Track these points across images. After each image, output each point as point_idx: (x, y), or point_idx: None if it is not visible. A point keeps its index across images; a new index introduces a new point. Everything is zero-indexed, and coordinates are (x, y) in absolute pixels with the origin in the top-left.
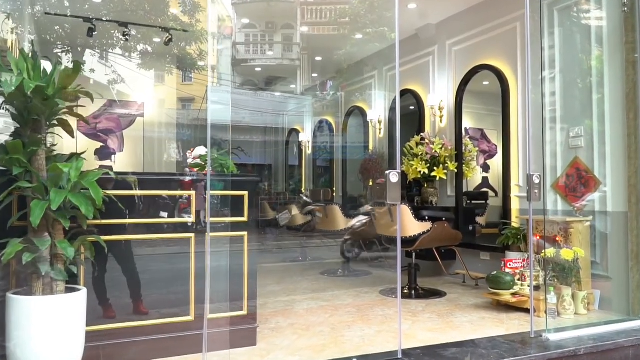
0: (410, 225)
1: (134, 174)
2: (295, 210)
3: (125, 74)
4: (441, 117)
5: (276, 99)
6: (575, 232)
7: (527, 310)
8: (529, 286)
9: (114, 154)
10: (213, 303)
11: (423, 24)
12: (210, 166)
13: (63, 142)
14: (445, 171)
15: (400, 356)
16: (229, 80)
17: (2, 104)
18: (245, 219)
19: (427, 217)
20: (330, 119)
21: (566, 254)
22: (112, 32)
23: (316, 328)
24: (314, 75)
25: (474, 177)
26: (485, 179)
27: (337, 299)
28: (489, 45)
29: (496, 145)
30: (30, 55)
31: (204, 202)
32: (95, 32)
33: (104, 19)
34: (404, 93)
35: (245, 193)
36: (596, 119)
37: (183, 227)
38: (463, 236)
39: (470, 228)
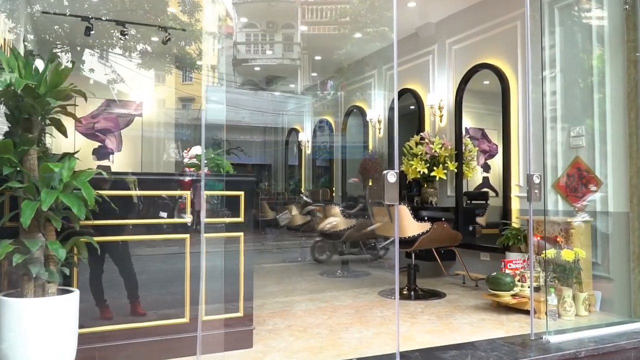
0: (409, 225)
1: (126, 174)
2: (294, 211)
3: (124, 74)
4: (441, 116)
5: (276, 98)
6: (576, 233)
7: (527, 312)
8: (529, 287)
9: (112, 153)
10: (209, 305)
11: (423, 22)
12: (204, 166)
13: (61, 142)
14: (445, 171)
15: (398, 359)
16: (225, 80)
17: None
18: (241, 219)
19: (426, 218)
20: (330, 119)
21: (567, 255)
22: (112, 31)
23: (314, 330)
24: (314, 74)
25: (475, 177)
26: (485, 179)
27: (335, 299)
28: (489, 44)
29: (497, 145)
30: (22, 54)
31: (205, 202)
32: (93, 32)
33: (101, 18)
34: (403, 92)
35: (242, 193)
36: (597, 119)
37: (183, 227)
38: (463, 236)
39: (470, 228)
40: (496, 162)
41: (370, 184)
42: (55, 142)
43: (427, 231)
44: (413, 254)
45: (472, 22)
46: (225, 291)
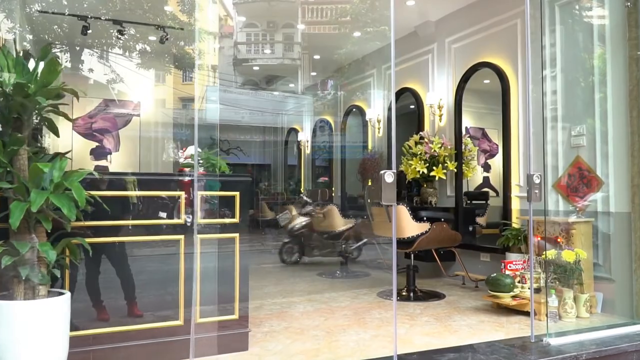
0: (408, 226)
1: (119, 174)
2: (294, 211)
3: (123, 74)
4: (440, 115)
5: (275, 98)
6: (577, 233)
7: (527, 314)
8: (529, 289)
9: (110, 153)
10: (204, 306)
11: (422, 21)
12: (197, 166)
13: (59, 142)
14: (445, 171)
15: None
16: (218, 79)
17: None
18: (236, 220)
19: (425, 218)
20: (329, 118)
21: (568, 256)
22: (111, 31)
23: (311, 332)
24: (313, 74)
25: (475, 177)
26: (486, 179)
27: (334, 301)
28: (489, 42)
29: (497, 145)
30: (13, 53)
31: (203, 203)
32: (90, 31)
33: (94, 16)
34: (403, 91)
35: (237, 194)
36: (598, 118)
37: (182, 228)
38: (463, 237)
39: (470, 228)
40: (497, 162)
41: (369, 183)
42: (54, 142)
43: (426, 232)
44: (412, 255)
45: (472, 20)
46: (220, 293)
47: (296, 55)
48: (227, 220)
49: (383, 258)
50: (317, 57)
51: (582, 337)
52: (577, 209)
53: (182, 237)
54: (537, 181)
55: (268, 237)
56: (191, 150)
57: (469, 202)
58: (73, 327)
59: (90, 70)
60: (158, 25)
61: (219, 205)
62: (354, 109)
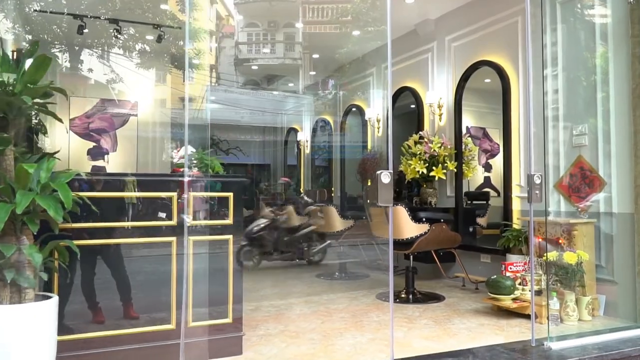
0: (406, 227)
1: (110, 174)
2: (294, 211)
3: (123, 73)
4: (440, 115)
5: (274, 97)
6: (579, 234)
7: (528, 317)
8: (530, 291)
9: (107, 153)
10: (197, 309)
11: (422, 19)
12: (187, 166)
13: (56, 142)
14: (445, 171)
15: None
16: (219, 79)
17: None
18: (230, 221)
19: (424, 219)
20: (329, 118)
21: (569, 257)
22: (110, 30)
23: (307, 335)
24: (312, 73)
25: (476, 177)
26: (487, 179)
27: (331, 303)
28: (489, 40)
29: (498, 144)
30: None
31: (202, 203)
32: (86, 30)
33: (93, 16)
34: (402, 90)
35: (231, 194)
36: (600, 117)
37: (175, 229)
38: (463, 238)
39: (471, 229)
40: (498, 162)
41: (369, 183)
42: (53, 143)
43: (426, 233)
44: (411, 256)
45: (472, 18)
46: (213, 296)
47: (297, 55)
48: (220, 222)
49: (382, 259)
50: (316, 56)
51: (584, 341)
52: (579, 210)
53: (174, 239)
54: (538, 181)
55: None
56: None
57: (469, 202)
58: (67, 330)
59: (90, 70)
60: (154, 24)
61: (213, 206)
62: (354, 109)
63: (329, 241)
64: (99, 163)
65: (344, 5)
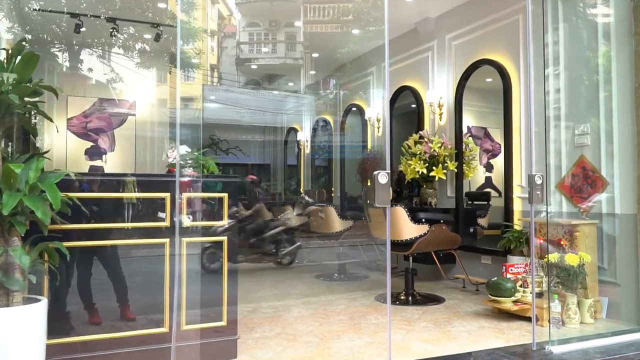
0: (405, 228)
1: (101, 174)
2: (293, 211)
3: (122, 73)
4: (440, 114)
5: (274, 97)
6: (581, 236)
7: (529, 319)
8: (531, 293)
9: (105, 153)
10: (191, 313)
11: (422, 17)
12: (179, 166)
13: (53, 142)
14: (445, 171)
15: None
16: (218, 79)
17: None
18: (224, 222)
19: (423, 220)
20: (329, 117)
21: (571, 259)
22: (110, 30)
23: (304, 338)
24: (312, 72)
25: (477, 177)
26: (488, 179)
27: (330, 304)
28: (490, 39)
29: (500, 144)
30: None
31: (197, 204)
32: (84, 29)
33: (92, 15)
34: (402, 90)
35: (225, 195)
36: (603, 116)
37: (168, 231)
38: (463, 238)
39: (471, 230)
40: (499, 162)
41: (369, 183)
42: (51, 142)
43: (425, 234)
44: (411, 257)
45: (473, 16)
46: (208, 299)
47: (298, 55)
48: (214, 223)
49: (382, 260)
50: (315, 55)
51: (587, 344)
52: (581, 211)
53: (167, 240)
54: (539, 182)
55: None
56: (180, 150)
57: (470, 202)
58: (59, 333)
59: (90, 69)
60: (152, 23)
61: (212, 206)
62: (354, 108)
63: (299, 242)
64: (97, 163)
65: (345, 5)
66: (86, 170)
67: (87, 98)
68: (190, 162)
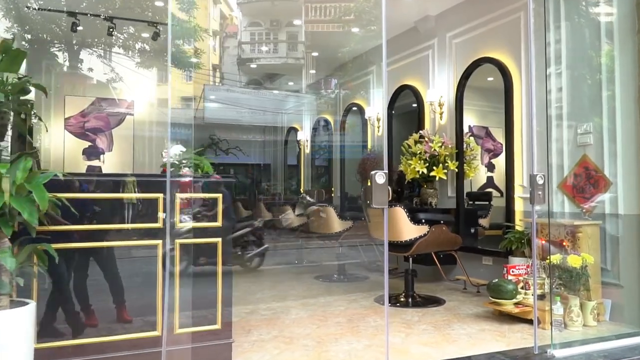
0: (405, 228)
1: (98, 174)
2: (293, 211)
3: (122, 73)
4: (441, 113)
5: (275, 96)
6: (583, 236)
7: (531, 322)
8: (532, 295)
9: (103, 153)
10: (184, 315)
11: (422, 16)
12: (169, 166)
13: (51, 142)
14: (446, 171)
15: None
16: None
17: None
18: (218, 224)
19: (424, 220)
20: (329, 117)
21: (573, 260)
22: (108, 29)
23: (301, 341)
24: (312, 72)
25: (478, 177)
26: (490, 179)
27: (329, 306)
28: (491, 37)
29: (501, 144)
30: None
31: (191, 204)
32: (80, 27)
33: (91, 14)
34: (402, 89)
35: (220, 195)
36: (606, 115)
37: (161, 232)
38: (464, 239)
39: (472, 230)
40: (501, 162)
41: (369, 183)
42: (50, 142)
43: (425, 234)
44: (410, 259)
45: (473, 14)
46: (201, 302)
47: (299, 54)
48: (209, 224)
49: (381, 260)
50: (316, 54)
51: (589, 348)
52: (584, 211)
53: (160, 242)
54: (540, 182)
55: (267, 238)
56: (174, 149)
57: (471, 203)
58: (49, 336)
59: (90, 69)
60: (150, 22)
61: (209, 207)
62: (354, 108)
63: (266, 245)
64: (95, 163)
65: (347, 4)
66: (84, 171)
67: (85, 97)
68: (185, 162)
